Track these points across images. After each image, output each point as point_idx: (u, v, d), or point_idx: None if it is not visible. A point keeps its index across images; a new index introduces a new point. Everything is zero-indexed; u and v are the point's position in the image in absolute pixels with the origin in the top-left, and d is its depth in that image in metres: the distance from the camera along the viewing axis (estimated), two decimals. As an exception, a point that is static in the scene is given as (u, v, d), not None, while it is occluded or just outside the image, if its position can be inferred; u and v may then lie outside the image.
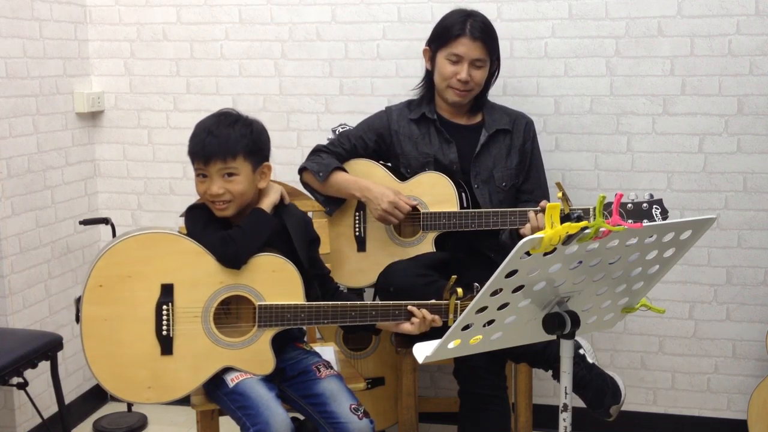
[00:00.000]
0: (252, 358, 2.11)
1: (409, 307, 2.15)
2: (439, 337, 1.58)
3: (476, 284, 2.14)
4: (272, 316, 2.10)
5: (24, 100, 2.91)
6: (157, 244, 2.09)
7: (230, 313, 2.16)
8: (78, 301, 2.08)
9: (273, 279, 2.11)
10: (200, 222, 2.17)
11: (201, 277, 2.09)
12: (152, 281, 2.07)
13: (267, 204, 2.20)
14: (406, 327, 2.17)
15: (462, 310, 2.13)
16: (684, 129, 2.90)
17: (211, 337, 2.10)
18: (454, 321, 2.11)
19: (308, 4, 3.08)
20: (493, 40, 2.61)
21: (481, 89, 2.65)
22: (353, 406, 2.11)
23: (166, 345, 2.07)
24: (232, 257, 2.09)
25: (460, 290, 2.15)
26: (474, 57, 2.56)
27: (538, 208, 2.46)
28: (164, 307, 2.07)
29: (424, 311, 2.15)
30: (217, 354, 2.10)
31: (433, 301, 2.17)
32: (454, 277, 2.16)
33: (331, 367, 2.23)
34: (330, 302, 2.15)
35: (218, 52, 3.19)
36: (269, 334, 2.12)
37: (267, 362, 2.12)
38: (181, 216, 2.26)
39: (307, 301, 2.16)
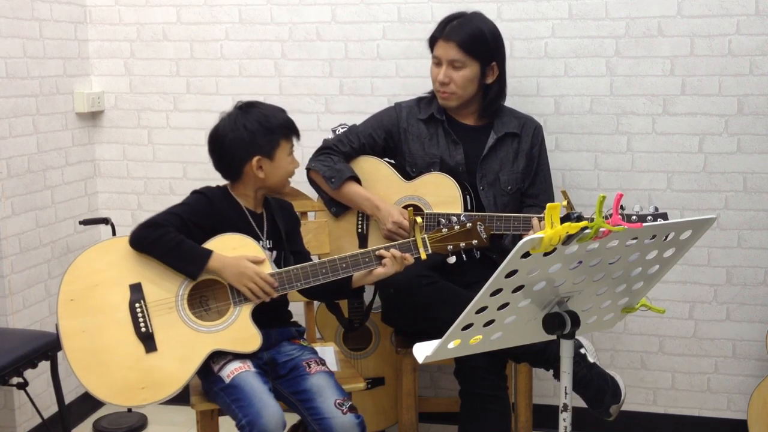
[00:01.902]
0: (236, 336, 2.11)
1: (378, 251, 2.16)
2: (438, 337, 1.58)
3: (441, 219, 2.22)
4: None
5: (24, 100, 2.91)
6: (115, 249, 2.13)
7: (207, 297, 2.17)
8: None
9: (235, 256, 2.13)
10: (187, 204, 2.20)
11: (166, 269, 2.11)
12: (120, 284, 2.10)
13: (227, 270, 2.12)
14: (379, 271, 2.17)
15: (432, 244, 2.18)
16: (684, 129, 2.90)
17: (191, 324, 2.11)
18: (426, 254, 2.17)
19: (308, 4, 3.08)
20: (479, 42, 2.54)
21: (468, 92, 2.59)
22: (338, 401, 2.09)
23: (148, 342, 2.08)
24: (133, 238, 2.11)
25: (419, 219, 2.17)
26: (449, 58, 2.54)
27: (542, 214, 2.44)
28: (137, 305, 2.09)
29: (393, 250, 2.15)
30: (201, 340, 2.10)
31: (399, 240, 2.20)
32: (410, 208, 2.22)
33: (324, 364, 2.21)
34: (299, 265, 2.15)
35: (218, 52, 3.18)
36: (247, 309, 2.12)
37: (252, 338, 2.12)
38: None
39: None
